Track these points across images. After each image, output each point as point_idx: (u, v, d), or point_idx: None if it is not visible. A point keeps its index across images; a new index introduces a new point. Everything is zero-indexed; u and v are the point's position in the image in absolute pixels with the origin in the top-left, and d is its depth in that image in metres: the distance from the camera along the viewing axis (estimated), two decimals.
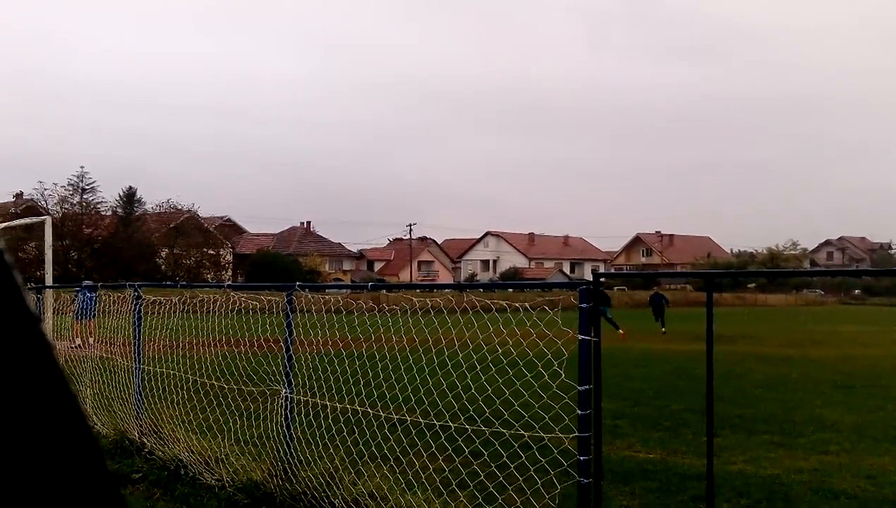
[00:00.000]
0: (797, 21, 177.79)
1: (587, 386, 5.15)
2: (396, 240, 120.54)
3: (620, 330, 27.67)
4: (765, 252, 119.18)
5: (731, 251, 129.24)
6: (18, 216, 59.22)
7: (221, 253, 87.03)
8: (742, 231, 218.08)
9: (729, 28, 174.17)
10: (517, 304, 5.92)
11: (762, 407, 13.71)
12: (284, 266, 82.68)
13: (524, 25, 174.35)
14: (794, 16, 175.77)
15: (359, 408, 6.97)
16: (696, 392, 10.03)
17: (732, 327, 35.88)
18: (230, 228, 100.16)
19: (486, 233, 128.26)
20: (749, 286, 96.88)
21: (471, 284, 22.01)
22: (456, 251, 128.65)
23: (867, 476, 8.92)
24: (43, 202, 73.72)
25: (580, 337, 5.20)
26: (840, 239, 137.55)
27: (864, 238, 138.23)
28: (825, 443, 10.70)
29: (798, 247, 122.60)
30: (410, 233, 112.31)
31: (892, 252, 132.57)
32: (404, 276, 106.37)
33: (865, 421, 12.40)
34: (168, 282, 52.76)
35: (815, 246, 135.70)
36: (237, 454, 7.96)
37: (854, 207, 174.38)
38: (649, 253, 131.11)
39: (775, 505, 7.71)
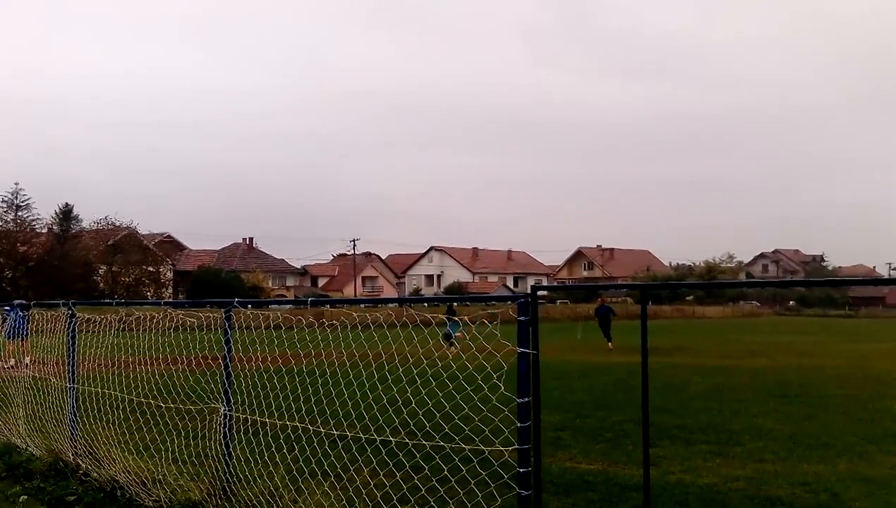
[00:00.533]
0: (724, 35, 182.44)
1: (527, 399, 5.19)
2: (340, 255, 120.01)
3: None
4: (702, 265, 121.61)
5: (670, 264, 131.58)
6: None
7: (162, 270, 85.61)
8: (680, 245, 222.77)
9: (664, 44, 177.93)
10: (457, 319, 5.94)
11: (700, 417, 13.93)
12: (226, 282, 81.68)
13: (467, 41, 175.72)
14: (719, 30, 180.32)
15: (298, 425, 6.90)
16: (637, 403, 10.15)
17: (671, 339, 36.45)
18: (170, 245, 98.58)
19: (431, 248, 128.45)
20: (687, 299, 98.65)
21: (412, 298, 22.02)
22: (400, 266, 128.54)
23: (802, 483, 9.12)
24: None
25: (519, 349, 5.24)
26: (774, 251, 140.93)
27: (797, 250, 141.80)
28: (761, 451, 10.92)
29: (734, 260, 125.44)
30: (354, 249, 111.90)
31: (825, 264, 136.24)
32: (349, 292, 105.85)
33: (800, 430, 12.69)
34: (105, 300, 51.66)
35: (751, 258, 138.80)
36: (175, 473, 7.81)
37: (788, 220, 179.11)
38: (591, 266, 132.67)
39: None
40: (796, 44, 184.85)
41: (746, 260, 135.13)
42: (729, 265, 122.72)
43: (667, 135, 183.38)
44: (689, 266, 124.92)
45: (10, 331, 11.77)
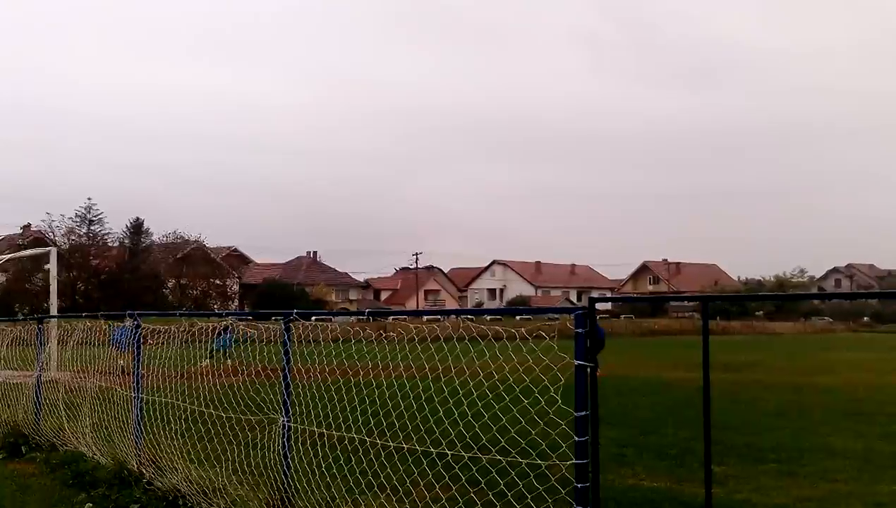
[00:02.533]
0: (799, 45, 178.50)
1: (584, 412, 5.08)
2: (403, 269, 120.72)
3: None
4: (773, 279, 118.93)
5: (739, 278, 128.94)
6: (26, 247, 59.41)
7: (228, 283, 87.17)
8: (750, 259, 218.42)
9: (734, 53, 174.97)
10: (514, 330, 5.87)
11: (770, 435, 13.56)
12: (291, 295, 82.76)
13: (528, 52, 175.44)
14: (795, 39, 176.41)
15: (356, 436, 6.89)
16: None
17: (739, 355, 35.64)
18: (237, 258, 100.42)
19: (493, 262, 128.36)
20: (756, 314, 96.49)
21: (466, 310, 21.93)
22: (462, 280, 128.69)
23: (876, 504, 8.79)
24: (50, 233, 74.12)
25: (577, 362, 5.14)
26: (848, 266, 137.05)
27: (872, 265, 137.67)
28: (833, 471, 10.55)
29: (806, 275, 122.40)
30: (417, 263, 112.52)
31: None
32: (411, 305, 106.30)
33: (873, 449, 12.24)
34: (169, 312, 52.87)
35: (823, 273, 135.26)
36: (235, 483, 7.88)
37: (862, 234, 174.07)
38: (656, 280, 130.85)
39: None
40: (869, 51, 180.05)
41: (818, 274, 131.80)
42: (800, 279, 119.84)
43: (733, 146, 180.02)
44: (759, 280, 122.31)
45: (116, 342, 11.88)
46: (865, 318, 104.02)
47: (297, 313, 7.55)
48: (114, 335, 11.64)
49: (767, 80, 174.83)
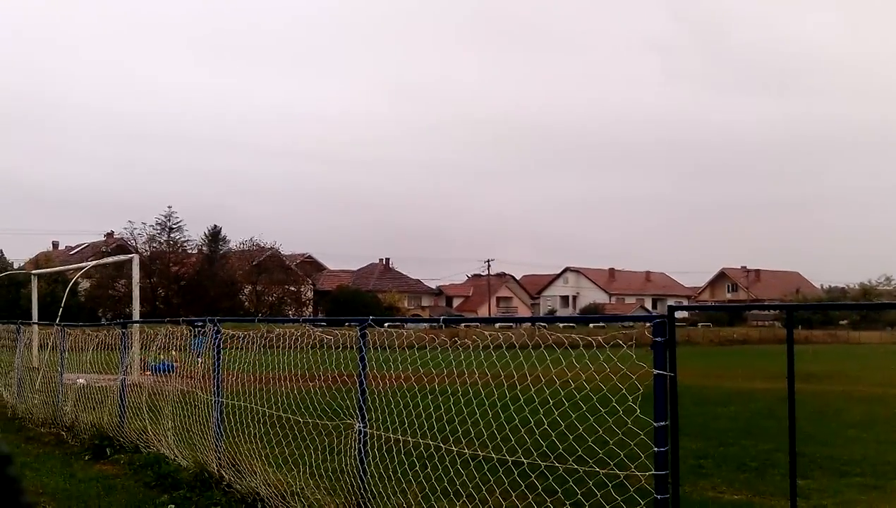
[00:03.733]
0: (883, 47, 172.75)
1: (664, 423, 5.00)
2: (475, 276, 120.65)
3: None
4: (857, 287, 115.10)
5: (822, 286, 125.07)
6: (109, 254, 61.36)
7: (302, 289, 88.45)
8: (833, 266, 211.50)
9: (812, 58, 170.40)
10: (589, 338, 5.81)
11: (854, 447, 13.13)
12: (364, 302, 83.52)
13: (597, 60, 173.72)
14: (879, 41, 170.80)
15: (431, 443, 6.91)
16: (785, 432, 9.67)
17: (823, 365, 34.60)
18: (311, 265, 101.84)
19: (566, 269, 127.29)
20: (841, 323, 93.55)
21: (540, 318, 21.78)
22: (534, 287, 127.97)
23: None
24: (132, 241, 76.43)
25: (655, 371, 5.06)
26: None
27: None
28: None
29: (892, 282, 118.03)
30: (489, 269, 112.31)
31: None
32: (483, 312, 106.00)
33: None
34: (247, 317, 53.88)
35: None
36: (312, 488, 7.98)
37: None
38: (735, 288, 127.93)
39: None
40: None
41: None
42: (887, 287, 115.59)
43: (811, 152, 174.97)
44: (843, 288, 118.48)
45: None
46: None
47: (372, 319, 7.60)
48: (193, 344, 11.96)
49: (847, 86, 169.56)
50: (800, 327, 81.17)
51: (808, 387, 22.67)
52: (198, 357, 11.55)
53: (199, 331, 10.94)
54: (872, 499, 9.47)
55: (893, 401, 21.08)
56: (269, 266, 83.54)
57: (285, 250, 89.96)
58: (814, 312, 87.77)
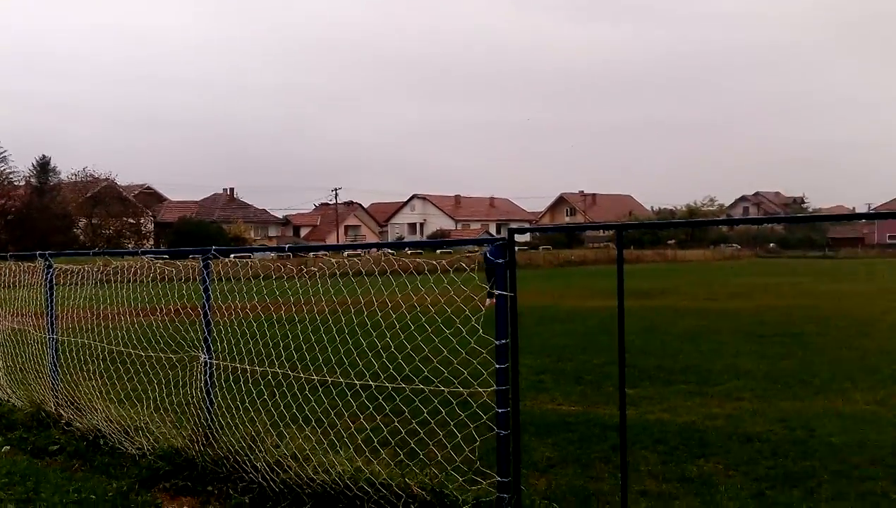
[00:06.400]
0: None
1: (504, 341, 5.22)
2: (322, 205, 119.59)
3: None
4: (684, 208, 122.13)
5: (652, 208, 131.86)
6: None
7: (142, 221, 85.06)
8: (663, 189, 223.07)
9: None
10: (434, 262, 5.95)
11: (680, 358, 14.10)
12: (208, 233, 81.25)
13: None
14: None
15: (279, 371, 6.93)
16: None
17: (653, 283, 36.73)
18: (150, 196, 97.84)
19: (413, 197, 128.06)
20: (669, 243, 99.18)
21: (387, 244, 21.96)
22: (382, 215, 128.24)
23: (780, 420, 9.28)
24: None
25: (497, 292, 5.25)
26: (755, 194, 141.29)
27: (778, 193, 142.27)
28: (739, 390, 11.08)
29: (716, 204, 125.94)
30: (336, 198, 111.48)
31: (805, 205, 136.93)
32: (331, 241, 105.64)
33: (777, 368, 12.87)
34: (82, 251, 51.32)
35: (732, 201, 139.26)
36: (157, 422, 7.86)
37: (769, 163, 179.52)
38: (573, 212, 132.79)
39: (691, 451, 7.96)
40: None
41: (728, 203, 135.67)
42: (710, 208, 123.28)
43: (645, 78, 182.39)
44: (671, 210, 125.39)
45: None
46: (771, 245, 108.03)
47: (215, 250, 7.46)
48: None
49: (680, 7, 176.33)
50: (632, 247, 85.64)
51: (638, 303, 24.09)
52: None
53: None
54: (695, 404, 10.25)
55: (715, 314, 22.72)
56: (104, 197, 79.62)
57: (122, 181, 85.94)
58: (644, 232, 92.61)
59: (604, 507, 6.28)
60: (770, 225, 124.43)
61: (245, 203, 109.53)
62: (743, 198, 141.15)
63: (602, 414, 9.53)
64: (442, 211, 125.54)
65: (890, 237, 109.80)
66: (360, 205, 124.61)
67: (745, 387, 11.29)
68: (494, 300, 5.28)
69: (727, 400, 10.48)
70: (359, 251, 9.97)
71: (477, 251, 6.73)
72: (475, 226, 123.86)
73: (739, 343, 16.15)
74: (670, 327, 19.18)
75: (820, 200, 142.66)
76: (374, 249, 10.07)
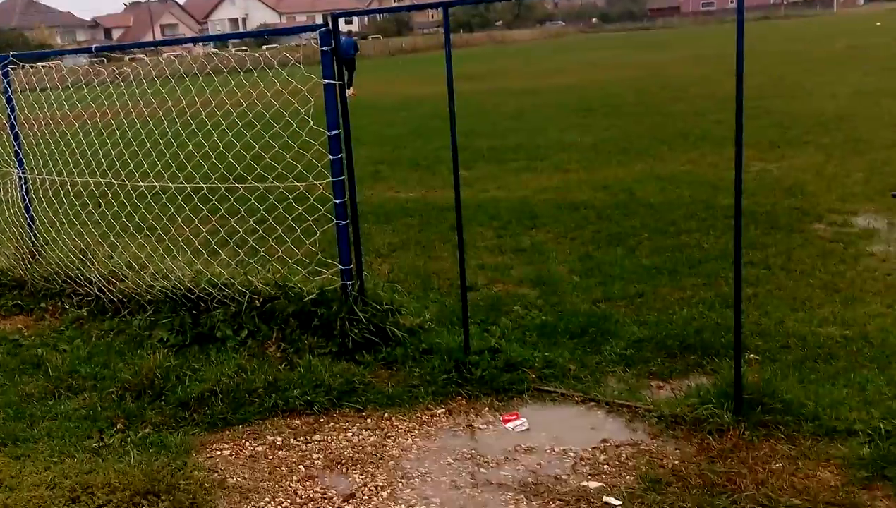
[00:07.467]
0: None
1: (336, 131, 5.15)
2: (134, 4, 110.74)
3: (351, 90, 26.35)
4: None
5: None
6: None
7: None
8: None
9: None
10: (259, 57, 5.69)
11: (510, 137, 14.49)
12: (7, 42, 73.98)
13: None
14: None
15: (101, 180, 6.62)
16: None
17: (482, 65, 36.82)
18: None
19: None
20: (496, 24, 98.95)
21: (207, 37, 20.70)
22: (201, 11, 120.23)
23: (603, 187, 9.85)
24: None
25: (325, 81, 5.11)
26: None
27: None
28: (566, 163, 11.59)
29: None
30: None
31: None
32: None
33: (600, 140, 13.48)
34: None
35: None
36: None
37: None
38: None
39: (524, 223, 8.37)
40: None
41: None
42: None
43: None
44: None
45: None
46: (594, 20, 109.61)
47: (14, 56, 6.86)
48: None
49: None
50: (461, 31, 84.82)
51: (469, 86, 24.23)
52: None
53: None
54: (526, 179, 10.68)
55: (541, 92, 23.18)
56: None
57: None
58: (472, 14, 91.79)
59: (444, 282, 6.57)
60: None
61: (47, 7, 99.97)
62: None
63: (439, 197, 9.77)
64: (265, 4, 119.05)
65: (704, 4, 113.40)
66: (176, 1, 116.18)
67: (572, 159, 11.81)
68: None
69: (555, 173, 10.97)
70: (177, 48, 9.40)
71: (304, 44, 6.47)
72: (301, 18, 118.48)
73: (564, 118, 16.67)
74: (501, 107, 19.51)
75: None
76: (191, 44, 9.51)
